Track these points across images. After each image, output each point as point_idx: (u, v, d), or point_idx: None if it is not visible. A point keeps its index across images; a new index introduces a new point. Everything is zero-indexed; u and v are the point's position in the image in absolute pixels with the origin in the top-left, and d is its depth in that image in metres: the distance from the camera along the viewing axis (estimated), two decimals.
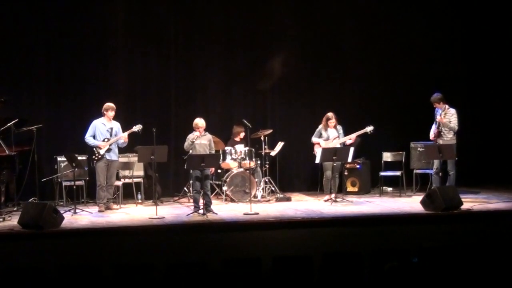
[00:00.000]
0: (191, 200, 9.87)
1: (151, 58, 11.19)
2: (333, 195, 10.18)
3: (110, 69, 11.05)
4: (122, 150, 10.15)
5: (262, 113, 11.78)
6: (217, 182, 10.78)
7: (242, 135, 10.96)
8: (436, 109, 10.24)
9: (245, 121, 10.28)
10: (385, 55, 11.78)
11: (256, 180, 10.52)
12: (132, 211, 9.75)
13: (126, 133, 9.68)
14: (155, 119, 10.94)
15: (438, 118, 10.07)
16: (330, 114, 10.33)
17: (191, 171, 9.88)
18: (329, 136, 10.36)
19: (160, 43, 11.21)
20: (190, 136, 9.25)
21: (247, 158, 10.51)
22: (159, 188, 10.59)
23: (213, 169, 9.58)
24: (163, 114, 11.32)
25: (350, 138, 10.30)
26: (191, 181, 10.26)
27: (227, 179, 10.42)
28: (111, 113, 9.65)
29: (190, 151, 9.33)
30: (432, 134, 10.20)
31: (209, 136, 9.43)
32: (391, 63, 11.78)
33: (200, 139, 9.22)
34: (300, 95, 11.81)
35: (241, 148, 10.55)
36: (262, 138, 10.67)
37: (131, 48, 11.08)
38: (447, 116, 10.08)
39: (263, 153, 10.72)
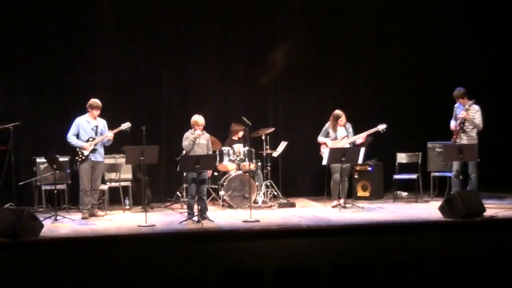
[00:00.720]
0: (185, 206, 9.94)
1: (140, 49, 11.20)
2: (341, 201, 10.20)
3: (94, 62, 11.07)
4: (108, 151, 10.19)
5: (263, 109, 11.83)
6: (213, 186, 10.81)
7: (241, 134, 10.99)
8: (458, 105, 10.22)
9: (245, 119, 10.26)
10: (400, 47, 11.86)
11: (257, 183, 10.53)
12: (119, 218, 9.77)
13: (112, 132, 9.67)
14: (144, 116, 10.97)
15: (461, 114, 10.06)
16: (339, 112, 10.34)
17: (184, 174, 9.97)
18: (337, 135, 10.38)
19: (149, 32, 11.26)
20: (190, 135, 9.25)
21: (246, 160, 10.53)
22: (149, 192, 10.67)
23: (210, 172, 9.59)
24: (154, 110, 11.36)
25: (361, 138, 10.29)
26: (184, 185, 10.49)
27: (225, 183, 10.42)
28: (96, 112, 9.65)
29: (184, 151, 9.42)
30: (453, 125, 10.14)
31: (207, 135, 9.44)
32: (407, 55, 11.86)
33: (199, 138, 9.26)
34: (305, 90, 11.87)
35: (240, 148, 10.58)
36: (263, 138, 10.69)
37: (117, 38, 11.11)
38: (471, 113, 10.00)
39: (264, 154, 10.75)
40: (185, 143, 9.27)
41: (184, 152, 9.46)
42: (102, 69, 11.08)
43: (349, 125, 10.46)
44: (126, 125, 9.73)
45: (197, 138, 9.20)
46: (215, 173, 10.73)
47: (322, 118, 10.77)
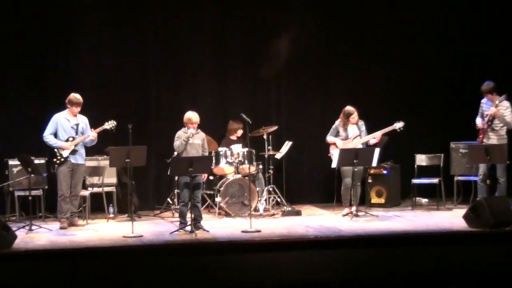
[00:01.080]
0: (176, 215, 10.02)
1: (125, 39, 11.25)
2: (353, 208, 10.20)
3: (75, 53, 11.13)
4: (90, 152, 10.23)
5: (265, 105, 11.89)
6: (208, 192, 10.82)
7: (239, 132, 11.05)
8: (486, 100, 10.23)
9: (244, 116, 10.18)
10: (419, 35, 11.91)
11: (258, 189, 10.55)
12: (102, 228, 9.79)
13: (95, 131, 9.69)
14: (131, 113, 11.01)
15: (490, 111, 10.05)
16: (351, 109, 10.33)
17: (176, 178, 9.95)
18: (349, 134, 10.39)
19: (135, 19, 11.30)
20: (182, 134, 9.26)
21: (246, 162, 10.55)
22: (136, 199, 10.68)
23: (206, 175, 9.60)
24: (142, 107, 11.40)
25: (375, 137, 10.29)
26: (176, 191, 10.46)
27: (221, 188, 10.44)
28: (77, 109, 9.64)
29: (175, 152, 9.45)
30: (479, 122, 10.13)
31: (202, 134, 9.45)
32: (427, 44, 11.92)
33: (192, 138, 9.27)
34: (312, 84, 11.93)
35: (238, 149, 10.61)
36: (265, 137, 10.70)
37: (100, 27, 11.18)
38: (501, 110, 10.06)
39: (266, 156, 10.75)
40: (177, 143, 9.25)
41: (175, 153, 9.46)
42: (83, 62, 11.13)
43: (361, 123, 10.45)
44: (110, 124, 9.73)
45: (190, 137, 9.19)
46: (211, 177, 10.74)
47: (331, 115, 10.76)
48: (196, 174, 9.08)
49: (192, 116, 9.23)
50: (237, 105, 11.42)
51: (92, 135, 9.65)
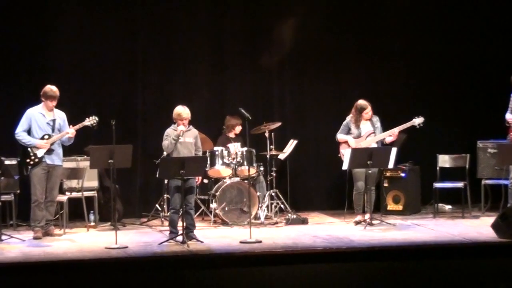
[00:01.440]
0: (166, 223, 9.97)
1: (109, 24, 11.28)
2: (367, 216, 10.23)
3: (52, 40, 11.13)
4: (68, 152, 10.25)
5: (266, 99, 11.93)
6: (202, 197, 10.86)
7: (238, 129, 11.06)
8: None
9: (243, 111, 10.14)
10: (440, 25, 11.92)
11: (258, 194, 10.56)
12: (82, 238, 9.80)
13: (74, 128, 9.69)
14: (115, 107, 11.08)
15: None
16: (364, 103, 10.33)
17: (166, 181, 10.01)
18: (362, 131, 10.40)
19: (121, 3, 11.36)
20: (172, 132, 9.28)
21: (245, 163, 10.55)
22: (120, 205, 10.70)
23: (200, 178, 9.63)
24: (127, 101, 11.43)
25: (392, 134, 10.28)
26: (165, 196, 10.52)
27: (217, 193, 10.44)
28: (52, 103, 9.66)
29: (165, 152, 9.49)
30: (509, 117, 10.16)
31: (194, 131, 9.47)
32: (450, 31, 11.92)
33: (183, 136, 9.29)
34: (320, 75, 11.93)
35: (236, 148, 10.61)
36: (266, 135, 10.71)
37: (80, 12, 11.21)
38: None
39: (268, 156, 10.79)
40: (165, 142, 9.26)
41: (165, 153, 9.49)
42: (62, 49, 11.15)
43: (376, 119, 10.46)
44: (91, 120, 9.73)
45: (180, 135, 9.19)
46: (205, 181, 10.74)
47: (341, 110, 10.79)
48: (188, 177, 9.09)
49: (181, 111, 9.22)
50: (235, 99, 11.45)
51: (70, 132, 9.62)
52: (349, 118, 10.44)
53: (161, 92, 11.44)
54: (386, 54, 11.90)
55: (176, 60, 11.55)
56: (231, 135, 11.06)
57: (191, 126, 9.38)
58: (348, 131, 10.43)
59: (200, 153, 9.49)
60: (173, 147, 9.22)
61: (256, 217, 10.42)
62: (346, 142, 10.41)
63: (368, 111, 10.32)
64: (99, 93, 11.25)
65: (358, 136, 10.39)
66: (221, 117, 11.26)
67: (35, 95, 9.83)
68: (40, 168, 9.58)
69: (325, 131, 11.23)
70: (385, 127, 10.41)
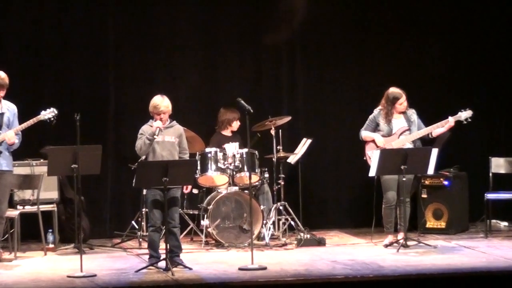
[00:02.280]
0: (144, 244, 9.99)
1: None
2: (400, 235, 10.17)
3: (3, 19, 11.22)
4: (19, 155, 10.16)
5: (272, 88, 11.93)
6: (191, 212, 10.84)
7: (235, 125, 11.06)
8: None
9: (242, 102, 9.85)
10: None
11: (262, 207, 10.54)
12: (38, 263, 9.74)
13: (25, 124, 9.58)
14: (80, 98, 11.13)
15: None
16: (397, 91, 10.29)
17: (144, 191, 9.92)
18: (393, 128, 10.33)
19: None
20: (147, 129, 9.25)
21: (245, 168, 10.48)
22: (86, 222, 10.71)
23: (189, 187, 9.77)
24: (95, 91, 11.45)
25: (430, 133, 10.28)
26: (144, 210, 10.45)
27: (210, 206, 10.36)
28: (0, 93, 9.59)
29: (144, 155, 9.39)
30: None
31: (178, 128, 9.42)
32: (500, 10, 12.02)
33: (163, 134, 9.20)
34: (339, 58, 11.98)
35: (234, 149, 10.61)
36: (272, 132, 10.66)
37: None
38: None
39: (274, 159, 10.73)
40: (139, 142, 9.22)
41: (143, 157, 9.43)
42: (13, 25, 11.18)
43: (412, 112, 10.40)
44: (49, 113, 9.69)
45: (156, 133, 9.12)
46: (195, 190, 10.70)
47: (367, 102, 10.87)
48: (173, 186, 9.05)
49: (159, 102, 9.17)
50: (232, 88, 11.47)
51: (8, 136, 9.36)
52: (377, 110, 10.38)
53: (138, 79, 11.44)
54: (424, 35, 12.02)
55: (156, 38, 11.61)
56: (227, 132, 11.02)
57: (173, 122, 9.34)
58: (376, 127, 10.36)
59: (186, 156, 9.39)
60: (148, 148, 9.15)
61: (260, 237, 10.43)
62: (373, 141, 10.33)
63: (403, 102, 10.24)
64: (60, 80, 11.26)
65: (389, 133, 10.30)
66: (215, 111, 11.20)
67: None
68: None
69: (347, 127, 11.28)
70: (425, 122, 10.40)
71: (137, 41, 11.54)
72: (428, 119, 10.37)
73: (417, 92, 10.96)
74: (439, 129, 10.22)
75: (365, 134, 10.35)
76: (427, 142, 10.40)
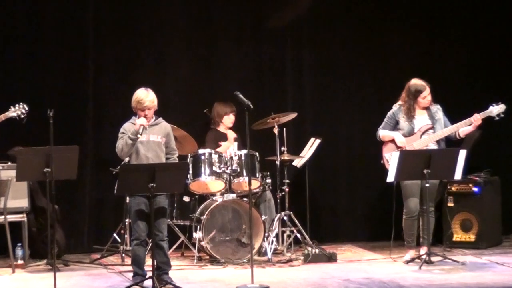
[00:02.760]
0: (128, 260, 9.94)
1: None
2: (423, 250, 10.16)
3: None
4: None
5: (275, 79, 11.92)
6: (182, 223, 10.83)
7: (228, 120, 11.06)
8: None
9: (240, 95, 9.73)
10: None
11: (264, 218, 10.45)
12: (4, 282, 9.71)
13: None
14: (54, 93, 11.17)
15: None
16: (420, 83, 10.27)
17: (127, 199, 9.87)
18: (415, 126, 10.29)
19: None
20: (129, 127, 9.23)
21: (244, 172, 10.47)
22: (61, 235, 10.72)
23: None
24: (71, 84, 11.46)
25: (457, 132, 10.24)
26: (127, 221, 10.43)
27: (203, 217, 10.31)
28: None
29: (127, 157, 9.38)
30: None
31: (165, 126, 9.42)
32: None
33: (147, 132, 9.18)
34: (355, 44, 11.98)
35: (231, 150, 10.70)
36: (276, 131, 10.66)
37: None
38: None
39: (278, 162, 10.73)
40: (120, 142, 9.17)
41: (127, 159, 9.40)
42: None
43: (436, 108, 10.37)
44: (18, 109, 9.87)
45: (139, 132, 9.07)
46: (186, 198, 10.73)
47: (384, 96, 10.98)
48: (160, 193, 9.00)
49: (143, 96, 9.11)
50: (229, 80, 11.50)
51: None
52: (397, 106, 10.35)
53: (120, 71, 11.46)
54: (449, 23, 12.08)
55: (141, 25, 11.64)
56: (222, 129, 11.03)
57: (160, 119, 9.31)
58: (395, 125, 10.33)
59: (174, 158, 9.33)
60: (130, 149, 9.07)
61: (261, 252, 10.40)
62: (392, 141, 10.28)
63: (426, 95, 10.19)
64: (32, 72, 11.27)
65: (410, 132, 10.26)
66: (208, 106, 11.20)
67: None
68: None
69: (362, 125, 11.40)
70: (451, 119, 10.35)
71: (120, 29, 11.58)
72: (453, 116, 10.36)
73: (440, 85, 10.93)
74: (466, 127, 10.15)
75: (383, 133, 10.32)
76: (453, 142, 10.38)
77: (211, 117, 11.10)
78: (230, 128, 11.05)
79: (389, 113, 10.33)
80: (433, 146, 10.16)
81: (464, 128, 10.16)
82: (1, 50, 11.26)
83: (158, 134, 9.20)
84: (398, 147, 10.12)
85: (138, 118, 9.12)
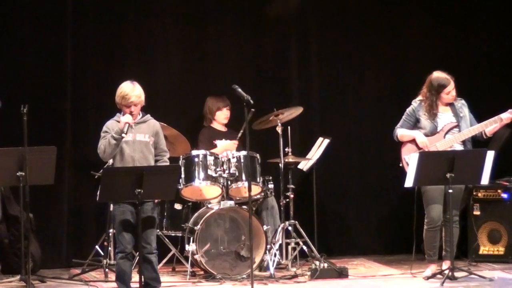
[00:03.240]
0: (111, 276, 10.02)
1: None
2: (446, 265, 10.15)
3: None
4: None
5: (278, 72, 12.01)
6: (173, 233, 10.89)
7: (222, 116, 11.14)
8: None
9: (239, 90, 9.79)
10: None
11: (266, 227, 10.45)
12: None
13: None
14: (28, 88, 11.24)
15: None
16: (443, 76, 10.29)
17: (111, 207, 9.95)
18: (438, 124, 10.29)
19: None
20: (113, 126, 9.24)
21: (243, 177, 10.46)
22: (36, 247, 10.70)
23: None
24: (48, 78, 11.50)
25: (484, 131, 10.23)
26: (111, 232, 10.51)
27: (198, 227, 10.32)
28: None
29: (111, 160, 9.39)
30: None
31: (153, 123, 9.43)
32: None
33: (133, 131, 9.18)
34: (366, 32, 12.09)
35: (229, 150, 10.75)
36: (279, 130, 10.73)
37: None
38: None
39: (281, 165, 10.75)
40: (102, 142, 9.14)
41: (111, 161, 9.41)
42: None
43: (461, 104, 10.41)
44: None
45: (124, 130, 9.05)
46: (178, 206, 10.75)
47: (402, 91, 11.20)
48: (149, 200, 8.99)
49: (128, 91, 9.07)
50: (226, 72, 11.59)
51: None
52: (417, 102, 10.36)
53: (102, 63, 11.52)
54: (473, 14, 12.19)
55: (126, 10, 11.68)
56: (218, 126, 11.12)
57: (147, 116, 9.30)
58: (415, 124, 10.34)
59: (164, 159, 9.30)
60: (114, 150, 9.04)
61: (262, 267, 10.41)
62: (412, 141, 10.27)
63: (451, 90, 10.19)
64: (2, 64, 11.29)
65: (433, 131, 10.26)
66: (202, 100, 11.27)
67: None
68: None
69: (377, 123, 11.54)
70: (478, 117, 10.35)
71: (102, 15, 11.64)
72: (479, 113, 10.41)
73: (465, 78, 11.03)
74: (493, 126, 10.12)
75: (401, 132, 10.32)
76: (480, 143, 10.39)
77: (203, 113, 11.19)
78: (225, 125, 11.10)
79: (408, 110, 10.33)
80: (459, 147, 10.19)
81: (492, 126, 10.10)
82: None
83: (145, 133, 9.18)
84: (419, 148, 10.08)
85: (123, 115, 9.10)
